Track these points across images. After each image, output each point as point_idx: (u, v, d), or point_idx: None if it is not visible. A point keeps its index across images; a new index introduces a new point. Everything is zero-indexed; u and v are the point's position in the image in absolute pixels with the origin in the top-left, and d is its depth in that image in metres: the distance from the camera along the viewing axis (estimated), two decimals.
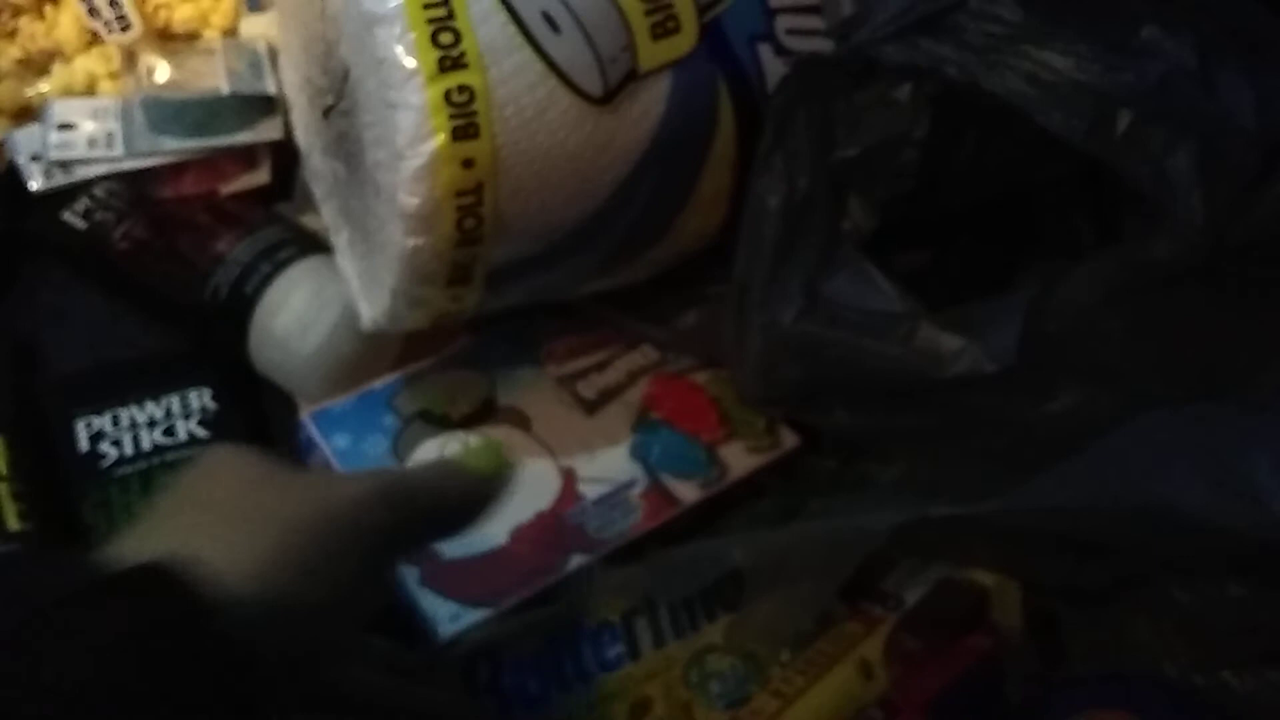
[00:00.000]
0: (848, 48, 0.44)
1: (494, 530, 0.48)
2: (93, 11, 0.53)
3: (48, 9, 0.55)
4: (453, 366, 0.54)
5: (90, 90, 0.56)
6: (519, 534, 0.49)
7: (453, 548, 0.47)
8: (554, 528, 0.50)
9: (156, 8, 0.54)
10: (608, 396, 0.54)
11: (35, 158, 0.54)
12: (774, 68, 0.50)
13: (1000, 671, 0.44)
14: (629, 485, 0.51)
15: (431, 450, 0.51)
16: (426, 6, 0.43)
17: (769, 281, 0.44)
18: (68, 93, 0.55)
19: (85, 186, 0.55)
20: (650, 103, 0.47)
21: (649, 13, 0.46)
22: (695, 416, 0.54)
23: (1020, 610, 0.44)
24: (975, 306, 0.43)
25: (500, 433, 0.53)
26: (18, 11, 0.54)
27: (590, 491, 0.51)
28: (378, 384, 0.53)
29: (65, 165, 0.55)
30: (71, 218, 0.55)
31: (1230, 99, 0.38)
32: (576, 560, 0.49)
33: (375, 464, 0.50)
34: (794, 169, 0.45)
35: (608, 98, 0.46)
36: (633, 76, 0.46)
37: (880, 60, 0.43)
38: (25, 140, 0.54)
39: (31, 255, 0.57)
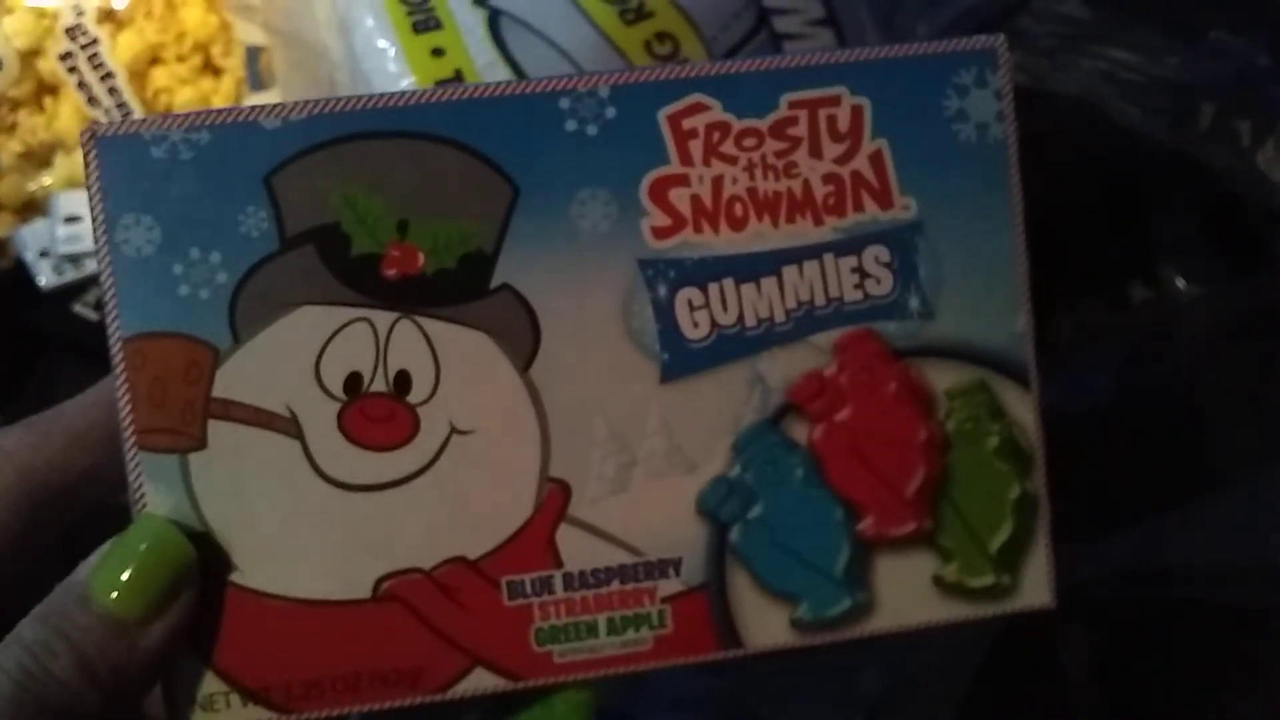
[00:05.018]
0: None
1: (355, 565, 0.25)
2: (92, 100, 0.53)
3: (47, 100, 0.53)
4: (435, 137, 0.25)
5: None
6: (397, 589, 0.25)
7: (257, 572, 0.25)
8: (473, 601, 0.26)
9: (157, 93, 0.53)
10: (726, 352, 0.26)
11: (44, 253, 0.53)
12: None
13: None
14: (657, 569, 0.26)
15: (301, 333, 0.25)
16: (438, 82, 0.41)
17: None
18: (72, 185, 0.54)
19: (96, 277, 0.51)
20: None
21: None
22: (876, 463, 0.26)
23: (1089, 657, 0.38)
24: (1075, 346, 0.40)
25: (465, 342, 0.25)
26: (16, 105, 0.53)
27: (577, 552, 0.26)
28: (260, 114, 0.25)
29: (74, 259, 0.53)
30: (83, 309, 0.54)
31: None
32: (483, 681, 0.26)
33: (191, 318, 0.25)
34: None
35: None
36: None
37: None
38: (32, 236, 0.54)
39: (44, 350, 0.55)
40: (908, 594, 0.26)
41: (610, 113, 0.25)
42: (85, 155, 0.24)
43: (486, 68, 0.41)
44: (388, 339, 0.25)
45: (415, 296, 0.25)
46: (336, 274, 0.25)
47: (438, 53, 0.41)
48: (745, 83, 0.26)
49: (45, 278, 0.53)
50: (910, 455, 0.26)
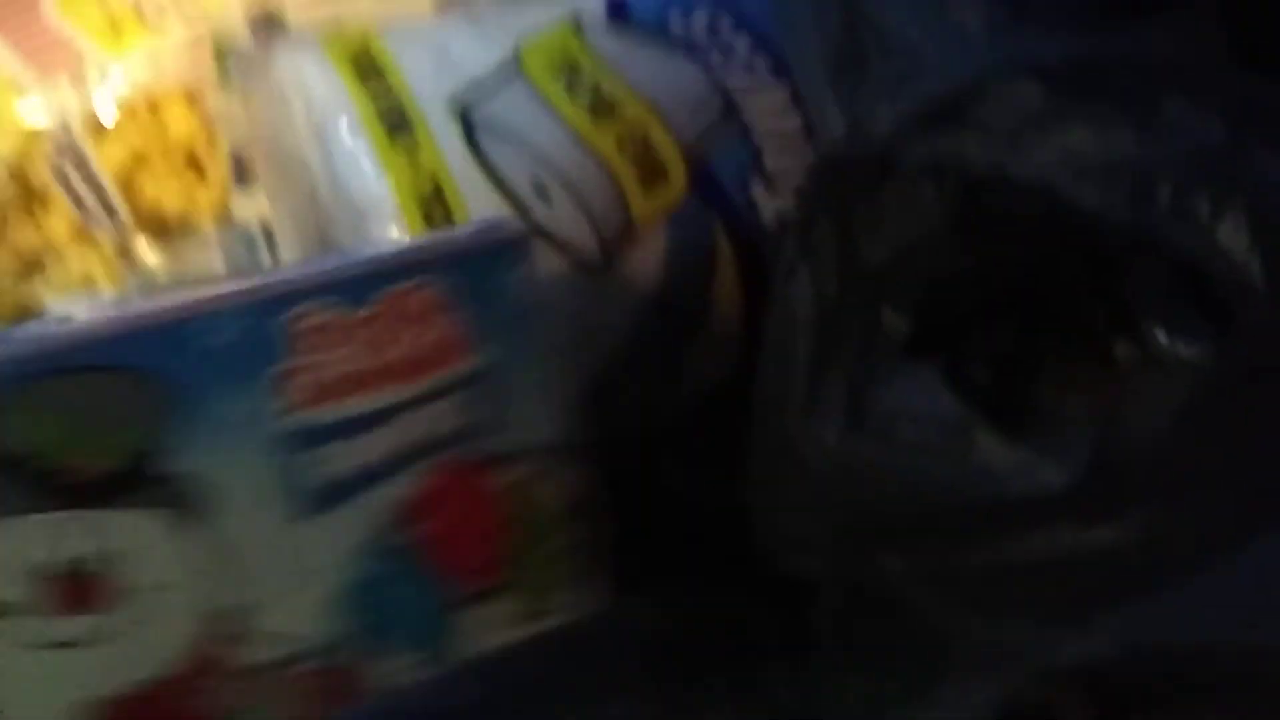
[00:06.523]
0: (863, 148, 0.43)
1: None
2: (81, 206, 0.54)
3: (36, 208, 0.55)
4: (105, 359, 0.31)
5: (87, 285, 0.56)
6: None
7: None
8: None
9: (145, 196, 0.55)
10: (344, 491, 0.34)
11: None
12: (768, 204, 0.47)
13: None
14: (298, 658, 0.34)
15: (30, 545, 0.31)
16: (415, 188, 0.42)
17: (806, 401, 0.41)
18: (64, 290, 0.55)
19: None
20: (648, 256, 0.45)
21: (635, 161, 0.44)
22: (469, 545, 0.36)
23: None
24: (1035, 417, 0.39)
25: (133, 523, 0.32)
26: (6, 213, 0.55)
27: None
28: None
29: None
30: None
31: (1268, 166, 0.37)
32: None
33: None
34: (820, 277, 0.42)
35: (605, 258, 0.44)
36: (628, 232, 0.44)
37: (899, 158, 0.41)
38: None
39: None
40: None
41: (241, 324, 0.32)
42: None
43: (461, 170, 0.42)
44: (64, 536, 0.31)
45: (89, 496, 0.31)
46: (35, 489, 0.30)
47: (413, 156, 0.42)
48: (345, 284, 0.33)
49: None
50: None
